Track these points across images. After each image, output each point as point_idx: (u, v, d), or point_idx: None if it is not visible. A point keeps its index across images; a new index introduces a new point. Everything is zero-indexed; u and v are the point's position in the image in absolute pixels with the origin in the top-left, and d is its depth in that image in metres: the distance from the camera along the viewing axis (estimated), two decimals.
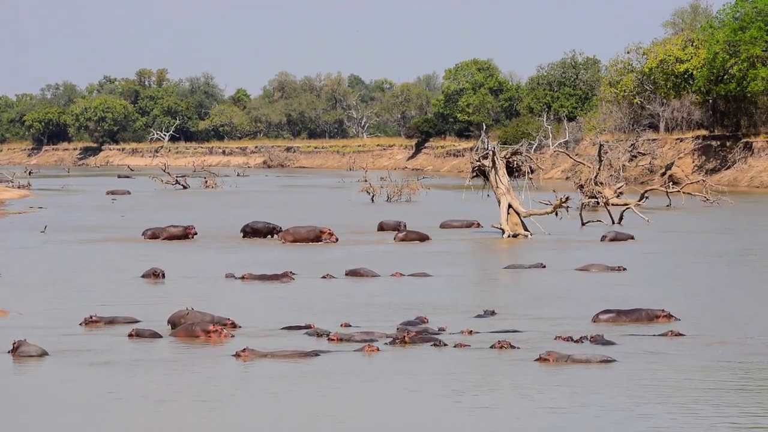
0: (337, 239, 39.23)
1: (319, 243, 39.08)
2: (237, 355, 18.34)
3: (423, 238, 40.31)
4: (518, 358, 18.18)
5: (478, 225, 45.31)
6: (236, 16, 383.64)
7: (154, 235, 40.81)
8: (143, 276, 29.20)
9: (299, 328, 21.05)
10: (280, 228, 40.98)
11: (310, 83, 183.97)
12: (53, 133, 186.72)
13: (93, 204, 65.67)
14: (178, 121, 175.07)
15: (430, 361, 18.19)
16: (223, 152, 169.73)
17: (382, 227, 44.31)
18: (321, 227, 39.96)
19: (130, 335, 20.41)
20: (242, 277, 28.85)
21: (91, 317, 21.84)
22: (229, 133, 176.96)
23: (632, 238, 39.96)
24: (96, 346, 19.49)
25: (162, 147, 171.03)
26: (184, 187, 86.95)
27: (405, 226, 43.65)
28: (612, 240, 39.47)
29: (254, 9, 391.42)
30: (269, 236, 40.96)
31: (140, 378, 16.98)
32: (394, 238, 40.25)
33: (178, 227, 41.28)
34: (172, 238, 40.56)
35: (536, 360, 17.85)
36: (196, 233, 41.03)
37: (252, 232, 41.19)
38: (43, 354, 18.47)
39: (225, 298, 25.60)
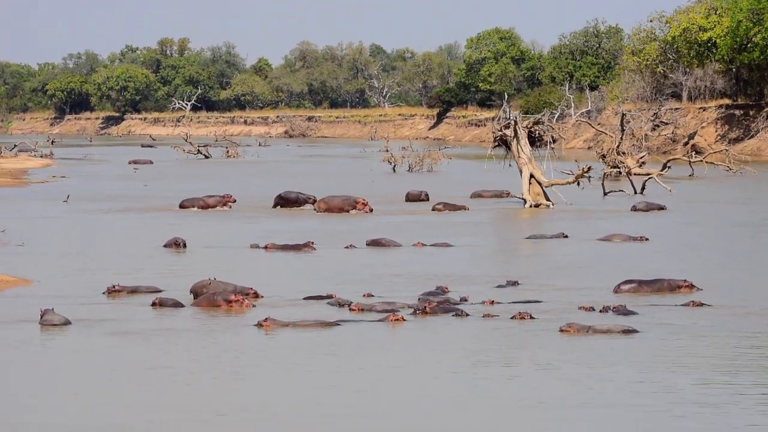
0: (371, 209, 39.26)
1: (354, 212, 39.13)
2: (259, 325, 18.39)
3: (459, 208, 40.23)
4: (539, 329, 18.17)
5: (508, 194, 45.22)
6: None
7: (190, 204, 40.88)
8: (165, 246, 29.28)
9: (321, 298, 21.09)
10: (314, 198, 41.01)
11: (332, 52, 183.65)
12: (75, 103, 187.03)
13: (115, 173, 65.83)
14: (199, 91, 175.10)
15: (451, 331, 18.20)
16: (245, 122, 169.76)
17: (407, 198, 44.32)
18: (356, 197, 39.99)
19: (153, 304, 20.50)
20: (265, 247, 28.92)
21: (113, 287, 21.93)
22: (251, 102, 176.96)
23: (663, 208, 39.87)
24: (118, 316, 19.57)
25: (184, 116, 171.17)
26: (206, 157, 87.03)
27: (427, 195, 43.70)
28: (643, 210, 39.36)
29: None
30: (302, 206, 40.97)
31: (162, 347, 17.05)
32: (432, 209, 40.14)
33: (214, 197, 41.37)
34: (208, 207, 40.64)
35: (558, 331, 17.85)
36: (234, 201, 41.11)
37: (284, 201, 41.23)
38: (67, 323, 18.56)
39: (247, 268, 25.65)
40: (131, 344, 17.29)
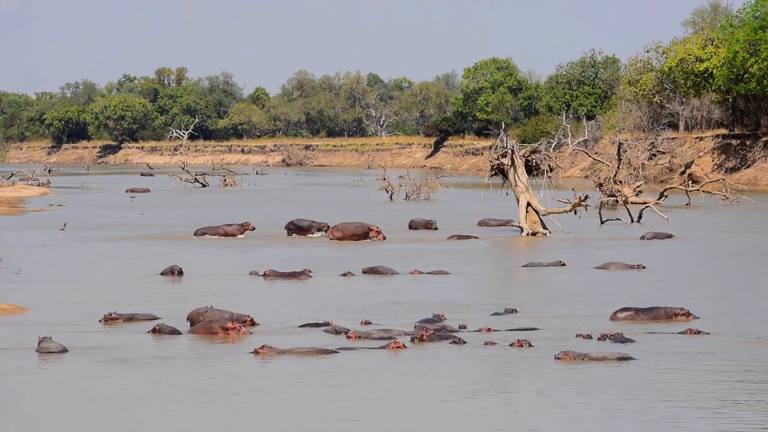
0: (384, 237, 39.31)
1: (367, 240, 39.16)
2: (255, 353, 18.36)
3: (469, 237, 40.26)
4: (536, 357, 18.15)
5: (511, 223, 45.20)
6: (255, 14, 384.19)
7: (207, 233, 40.90)
8: (162, 273, 29.28)
9: (318, 325, 21.07)
10: (327, 225, 41.05)
11: (329, 82, 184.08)
12: (73, 132, 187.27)
13: (112, 202, 65.86)
14: (197, 120, 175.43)
15: (448, 359, 18.18)
16: (242, 150, 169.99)
17: (410, 225, 44.32)
18: (369, 225, 40.07)
19: (154, 330, 20.47)
20: (264, 274, 28.94)
21: (110, 314, 21.90)
22: (248, 131, 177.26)
23: (671, 236, 39.92)
24: (115, 344, 19.54)
25: (181, 145, 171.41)
26: (203, 185, 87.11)
27: (430, 224, 43.79)
28: (651, 239, 39.38)
29: (273, 7, 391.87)
30: (314, 233, 41.01)
31: (158, 375, 17.01)
32: (447, 238, 40.09)
33: (233, 225, 41.41)
34: (227, 235, 40.66)
35: (554, 359, 17.82)
36: (253, 228, 41.16)
37: (297, 229, 41.25)
38: (63, 350, 18.53)
39: (243, 295, 25.63)
40: (128, 372, 17.25)
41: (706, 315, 22.23)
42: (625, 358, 17.81)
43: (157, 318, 21.96)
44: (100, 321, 21.76)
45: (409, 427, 14.04)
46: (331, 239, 39.58)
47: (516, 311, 22.74)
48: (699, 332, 20.24)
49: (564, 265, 31.24)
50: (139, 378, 16.77)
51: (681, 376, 16.76)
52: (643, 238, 39.85)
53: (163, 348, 19.23)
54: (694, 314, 22.02)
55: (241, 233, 40.90)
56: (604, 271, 30.35)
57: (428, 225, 43.89)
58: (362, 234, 39.43)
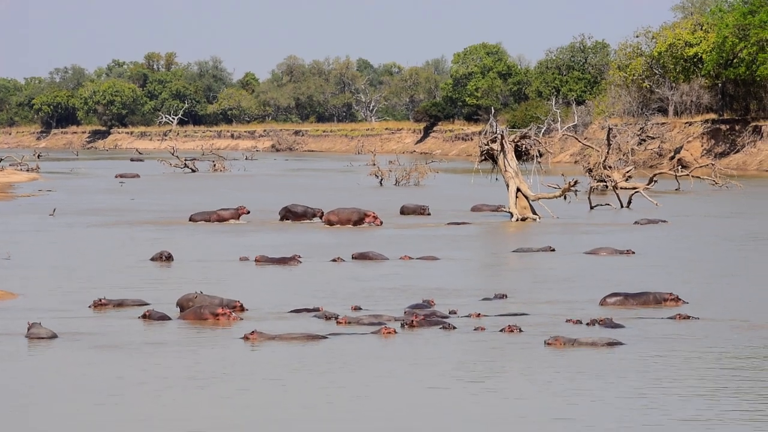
0: (381, 223, 39.29)
1: (363, 226, 39.13)
2: (245, 338, 18.37)
3: (463, 223, 40.32)
4: (526, 342, 18.18)
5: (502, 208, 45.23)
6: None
7: (203, 218, 40.83)
8: (152, 259, 29.25)
9: (308, 310, 21.08)
10: (321, 211, 40.98)
11: (319, 67, 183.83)
12: (62, 117, 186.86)
13: (102, 187, 65.76)
14: (186, 105, 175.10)
15: (438, 344, 18.21)
16: (232, 136, 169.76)
17: (402, 211, 44.30)
18: (365, 210, 39.99)
19: (144, 316, 20.46)
20: (256, 260, 28.94)
21: (100, 300, 21.89)
22: (238, 116, 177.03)
23: (665, 221, 40.01)
24: (105, 329, 19.54)
25: (170, 131, 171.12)
26: (193, 171, 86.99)
27: (424, 209, 43.81)
28: (646, 224, 39.45)
29: None
30: (310, 219, 40.99)
31: (148, 361, 17.02)
32: (447, 224, 40.08)
33: (228, 210, 41.34)
34: (222, 220, 40.61)
35: (544, 344, 17.85)
36: (248, 212, 41.10)
37: (291, 215, 41.17)
38: (53, 336, 18.53)
39: (233, 281, 25.63)
40: (118, 358, 17.25)
41: (696, 300, 22.28)
42: (614, 344, 17.85)
43: (147, 304, 21.95)
44: (89, 307, 21.74)
45: (398, 413, 14.06)
46: (326, 224, 39.55)
47: (506, 296, 22.78)
48: (688, 317, 20.29)
49: (554, 250, 31.28)
50: (129, 364, 16.77)
51: (670, 361, 16.80)
52: (637, 223, 39.91)
53: (153, 334, 19.23)
54: (683, 299, 22.07)
55: (237, 218, 40.86)
56: (594, 256, 30.40)
57: (421, 210, 43.91)
58: (358, 219, 39.39)
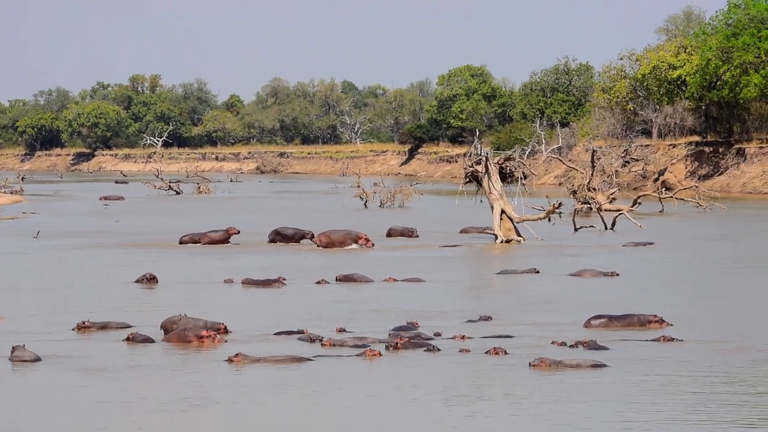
0: (373, 245, 39.28)
1: (355, 246, 39.09)
2: (230, 361, 18.32)
3: (456, 246, 40.41)
4: (511, 365, 18.16)
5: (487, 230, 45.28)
6: (230, 22, 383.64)
7: (192, 240, 40.80)
8: (136, 281, 29.19)
9: (292, 333, 21.04)
10: (312, 233, 40.97)
11: (303, 89, 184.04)
12: (46, 139, 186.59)
13: (86, 210, 65.62)
14: (171, 127, 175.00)
15: (423, 367, 18.18)
16: (216, 158, 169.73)
17: (389, 234, 44.23)
18: (357, 232, 39.99)
19: (128, 339, 20.40)
20: (242, 282, 28.91)
21: (83, 323, 21.82)
22: (222, 138, 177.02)
23: (652, 243, 40.10)
24: (88, 352, 19.46)
25: (155, 153, 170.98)
26: (177, 193, 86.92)
27: (411, 231, 43.79)
28: (633, 246, 39.54)
29: (248, 15, 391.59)
30: (299, 241, 41.02)
31: (132, 384, 16.96)
32: (440, 246, 40.09)
33: (218, 231, 41.30)
34: (213, 242, 40.54)
35: (529, 366, 17.83)
36: (238, 232, 41.06)
37: (281, 237, 41.17)
38: (37, 359, 18.45)
39: (218, 303, 25.57)
40: (101, 380, 17.19)
41: (680, 322, 22.30)
42: (599, 366, 17.85)
43: (131, 326, 21.88)
44: (73, 329, 21.68)
45: None
46: (318, 246, 39.52)
47: (491, 318, 22.78)
48: (672, 339, 20.31)
49: (538, 272, 31.30)
50: (112, 387, 16.71)
51: (653, 384, 16.80)
52: (625, 246, 39.91)
53: (137, 357, 19.16)
54: (667, 321, 22.09)
55: (227, 240, 40.79)
56: (578, 278, 30.42)
57: (408, 233, 43.83)
58: (351, 241, 39.36)
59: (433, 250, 39.17)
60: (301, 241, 40.96)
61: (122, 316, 23.11)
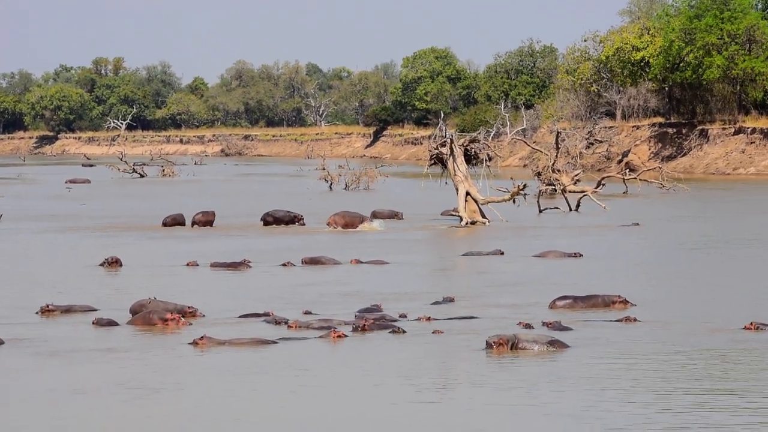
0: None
1: (328, 229, 39.67)
2: (194, 343, 18.28)
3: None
4: (471, 346, 18.19)
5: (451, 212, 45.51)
6: (193, 3, 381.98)
7: (175, 222, 40.94)
8: (100, 265, 29.07)
9: (257, 315, 21.02)
10: (301, 216, 41.50)
11: (268, 71, 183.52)
12: (9, 122, 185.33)
13: (50, 193, 65.27)
14: (134, 110, 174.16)
15: (387, 349, 18.20)
16: (181, 141, 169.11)
17: (375, 216, 44.29)
18: (365, 216, 40.71)
19: (94, 323, 20.31)
20: (211, 265, 28.88)
21: (47, 306, 21.72)
22: (187, 121, 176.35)
23: (637, 224, 40.32)
24: (52, 335, 19.38)
25: (119, 136, 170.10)
26: (141, 176, 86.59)
27: (396, 214, 44.05)
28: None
29: None
30: (290, 224, 41.42)
31: (95, 367, 16.90)
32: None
33: (206, 213, 41.46)
34: (199, 223, 40.88)
35: (487, 346, 17.74)
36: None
37: (273, 220, 41.45)
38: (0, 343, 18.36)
39: (182, 287, 25.48)
40: (65, 364, 17.12)
41: (644, 303, 22.42)
42: (557, 343, 17.85)
43: (95, 309, 21.80)
44: (37, 313, 21.58)
45: (346, 419, 14.05)
46: (333, 228, 39.74)
47: (453, 300, 22.83)
48: (635, 320, 20.42)
49: (503, 253, 31.38)
50: (76, 370, 16.65)
51: (613, 364, 16.88)
52: (623, 226, 40.15)
53: (101, 340, 19.09)
54: (631, 302, 22.21)
55: (211, 222, 40.88)
56: (543, 259, 30.52)
57: (394, 216, 44.16)
58: (360, 223, 40.08)
59: (396, 232, 39.17)
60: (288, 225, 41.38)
61: (86, 299, 23.01)
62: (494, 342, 17.71)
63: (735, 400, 14.60)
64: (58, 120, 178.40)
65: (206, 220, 41.21)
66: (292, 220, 41.62)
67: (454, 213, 42.98)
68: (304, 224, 41.48)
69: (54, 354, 17.84)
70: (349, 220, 40.18)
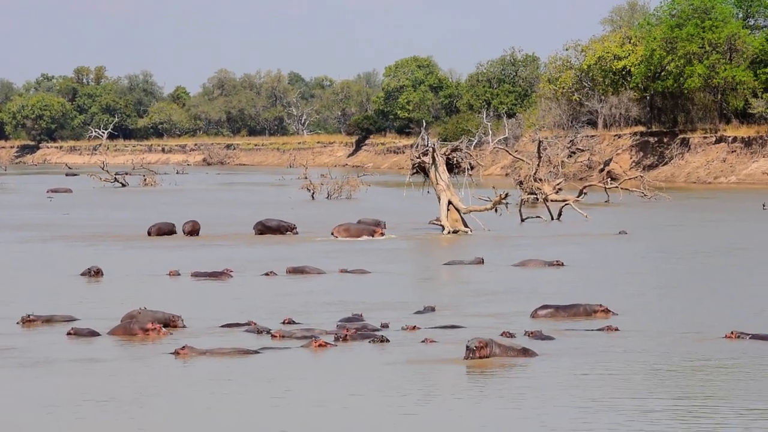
0: (383, 234, 40.40)
1: (303, 238, 39.85)
2: (176, 353, 18.25)
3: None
4: (453, 356, 18.18)
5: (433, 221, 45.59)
6: (175, 12, 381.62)
7: (161, 231, 41.08)
8: (82, 274, 28.99)
9: (239, 325, 20.99)
10: (295, 225, 41.59)
11: (250, 80, 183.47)
12: None
13: (31, 202, 65.09)
14: (116, 119, 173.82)
15: (368, 358, 18.20)
16: (163, 150, 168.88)
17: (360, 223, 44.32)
18: (374, 227, 40.99)
19: (69, 334, 20.23)
20: (192, 274, 28.82)
21: (28, 316, 21.64)
22: (169, 130, 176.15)
23: (624, 232, 40.52)
24: (33, 345, 19.31)
25: (100, 145, 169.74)
26: (123, 185, 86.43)
27: (379, 222, 44.02)
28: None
29: (193, 6, 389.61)
30: (284, 233, 41.58)
31: (75, 378, 16.85)
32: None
33: (194, 222, 41.60)
34: (188, 232, 41.01)
35: (467, 351, 17.68)
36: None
37: (266, 229, 41.44)
38: None
39: (164, 296, 25.43)
40: (46, 374, 17.07)
41: (626, 311, 22.45)
42: (529, 352, 17.86)
43: (76, 319, 21.74)
44: (18, 323, 21.50)
45: (323, 428, 14.03)
46: (337, 237, 39.78)
47: (434, 309, 22.82)
48: (617, 329, 20.45)
49: (483, 262, 31.36)
50: (58, 381, 16.59)
51: (596, 374, 16.89)
52: (622, 233, 40.39)
53: (83, 350, 19.03)
54: (613, 311, 22.25)
55: (196, 232, 41.00)
56: (524, 268, 30.54)
57: (377, 224, 43.95)
58: (369, 233, 40.30)
59: (382, 241, 39.17)
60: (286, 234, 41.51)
61: (68, 309, 22.94)
62: (475, 346, 17.66)
63: (716, 408, 14.64)
64: (39, 129, 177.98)
65: (194, 229, 41.18)
66: (285, 229, 41.63)
67: (437, 222, 43.02)
68: (297, 233, 41.42)
69: (35, 364, 17.77)
70: (354, 233, 40.24)
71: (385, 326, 20.74)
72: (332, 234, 40.37)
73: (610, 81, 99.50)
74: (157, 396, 15.58)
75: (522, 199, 51.73)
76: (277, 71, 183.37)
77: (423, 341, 19.21)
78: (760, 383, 16.23)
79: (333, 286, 27.16)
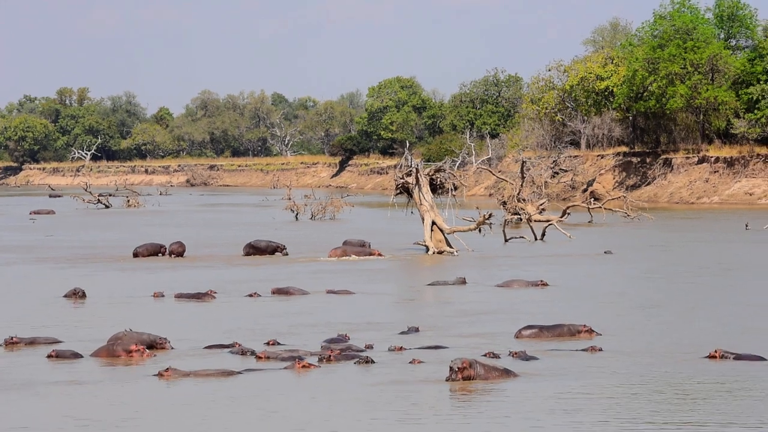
0: (380, 254, 40.69)
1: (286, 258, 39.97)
2: (159, 375, 18.19)
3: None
4: (436, 376, 18.18)
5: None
6: (158, 34, 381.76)
7: (148, 252, 41.06)
8: (65, 296, 28.90)
9: (224, 346, 20.94)
10: (284, 246, 41.71)
11: (233, 101, 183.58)
12: None
13: (14, 224, 64.89)
14: (99, 140, 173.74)
15: (352, 380, 18.17)
16: (146, 171, 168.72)
17: (345, 245, 44.25)
18: (371, 249, 41.24)
19: (50, 356, 20.14)
20: (175, 296, 28.77)
21: (11, 338, 21.56)
22: (152, 151, 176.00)
23: (610, 252, 40.67)
24: (16, 368, 19.24)
25: (83, 166, 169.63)
26: (107, 206, 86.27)
27: (364, 243, 44.07)
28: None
29: (177, 27, 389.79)
30: (272, 254, 41.62)
31: (58, 400, 16.78)
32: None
33: (180, 243, 41.56)
34: (174, 254, 41.00)
35: (450, 372, 17.67)
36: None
37: (255, 250, 41.36)
38: None
39: (147, 318, 25.35)
40: (29, 397, 17.00)
41: (609, 331, 22.47)
42: (511, 373, 17.87)
43: (60, 341, 21.66)
44: (0, 345, 21.41)
45: None
46: (335, 259, 39.79)
47: (418, 330, 22.82)
48: (600, 349, 20.47)
49: (465, 282, 31.37)
50: (40, 404, 16.53)
51: (579, 393, 16.91)
52: (608, 252, 40.52)
53: (65, 372, 18.96)
54: (596, 331, 22.27)
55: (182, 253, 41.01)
56: (507, 288, 30.55)
57: (361, 246, 43.99)
58: (365, 255, 40.48)
59: (372, 262, 39.14)
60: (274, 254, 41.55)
61: (51, 331, 22.86)
62: (458, 367, 17.64)
63: (699, 428, 14.65)
64: (22, 151, 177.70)
65: (181, 251, 41.12)
66: (274, 250, 41.65)
67: (421, 243, 43.04)
68: (287, 254, 41.42)
69: (19, 387, 17.70)
70: (351, 254, 40.44)
71: (369, 347, 20.71)
72: (329, 257, 40.33)
73: (592, 101, 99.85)
74: (140, 418, 15.53)
75: (506, 220, 51.79)
76: (261, 92, 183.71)
77: (411, 362, 19.20)
78: (743, 403, 16.25)
79: (317, 306, 27.13)
